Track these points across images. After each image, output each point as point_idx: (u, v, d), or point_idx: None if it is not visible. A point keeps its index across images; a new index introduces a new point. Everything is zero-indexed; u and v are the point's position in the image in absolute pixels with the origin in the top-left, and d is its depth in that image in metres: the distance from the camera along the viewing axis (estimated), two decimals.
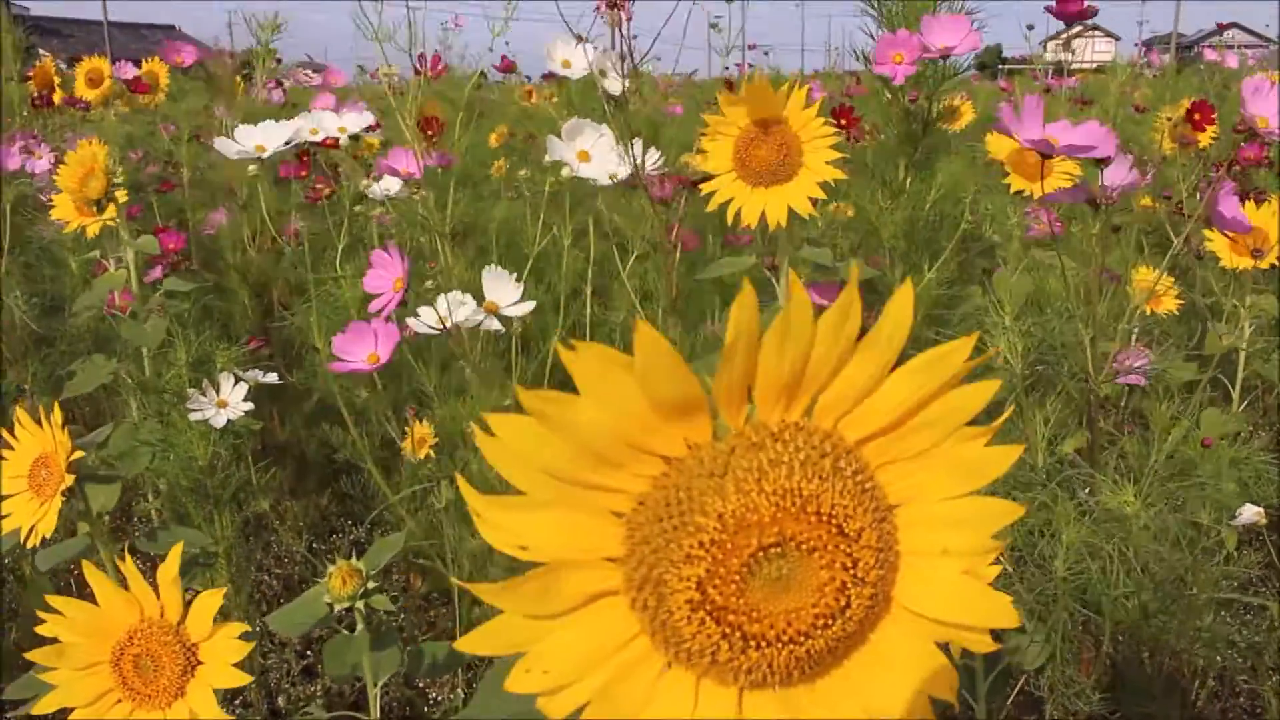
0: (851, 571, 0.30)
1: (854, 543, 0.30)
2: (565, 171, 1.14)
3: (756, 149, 0.91)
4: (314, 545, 1.70)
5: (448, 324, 1.06)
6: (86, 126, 2.76)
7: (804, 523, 0.29)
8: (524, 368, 1.25)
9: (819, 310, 0.29)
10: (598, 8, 1.16)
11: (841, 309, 0.29)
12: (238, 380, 1.20)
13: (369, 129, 1.43)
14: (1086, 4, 1.72)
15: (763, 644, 0.30)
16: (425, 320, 1.07)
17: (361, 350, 1.09)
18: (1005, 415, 0.33)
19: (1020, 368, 0.98)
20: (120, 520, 1.65)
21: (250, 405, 1.18)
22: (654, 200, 1.15)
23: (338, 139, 1.36)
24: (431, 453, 1.27)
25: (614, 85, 1.26)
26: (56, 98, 2.80)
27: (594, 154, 1.13)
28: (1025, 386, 0.99)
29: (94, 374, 1.35)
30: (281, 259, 1.72)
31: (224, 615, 1.33)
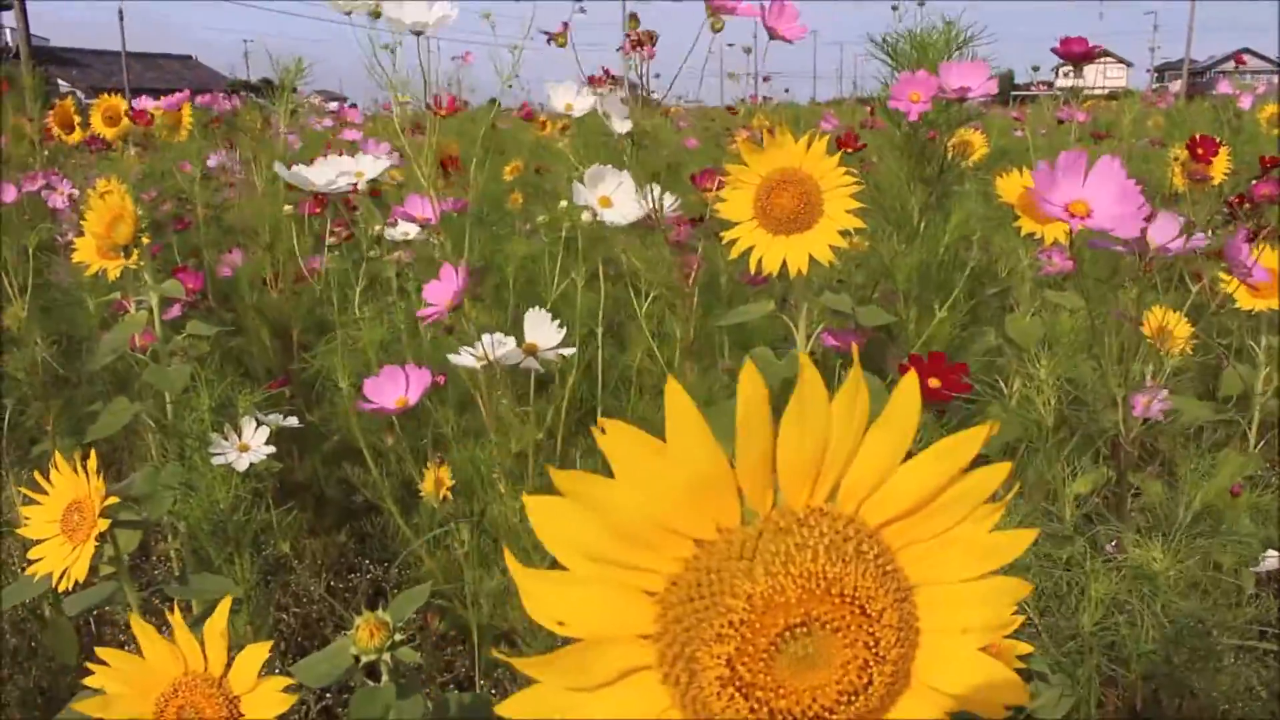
0: (874, 650, 0.31)
1: (876, 622, 0.31)
2: (586, 216, 1.16)
3: (777, 197, 0.92)
4: (332, 584, 1.71)
5: (489, 360, 1.08)
6: (105, 165, 2.79)
7: (828, 604, 0.31)
8: (541, 410, 1.27)
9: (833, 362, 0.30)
10: (622, 48, 1.18)
11: (849, 392, 0.31)
12: (259, 424, 1.21)
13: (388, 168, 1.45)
14: (1091, 46, 1.74)
15: (789, 718, 0.31)
16: (468, 357, 1.09)
17: (392, 393, 1.10)
18: (1013, 492, 0.34)
19: (1051, 419, 0.98)
20: (138, 559, 1.66)
21: (272, 449, 1.20)
22: (671, 243, 1.17)
23: (355, 185, 1.38)
24: (450, 495, 1.28)
25: (622, 126, 1.28)
26: (75, 137, 2.85)
27: (615, 199, 1.15)
28: (1056, 440, 1.00)
29: (117, 417, 1.37)
30: (301, 298, 1.75)
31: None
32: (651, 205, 1.14)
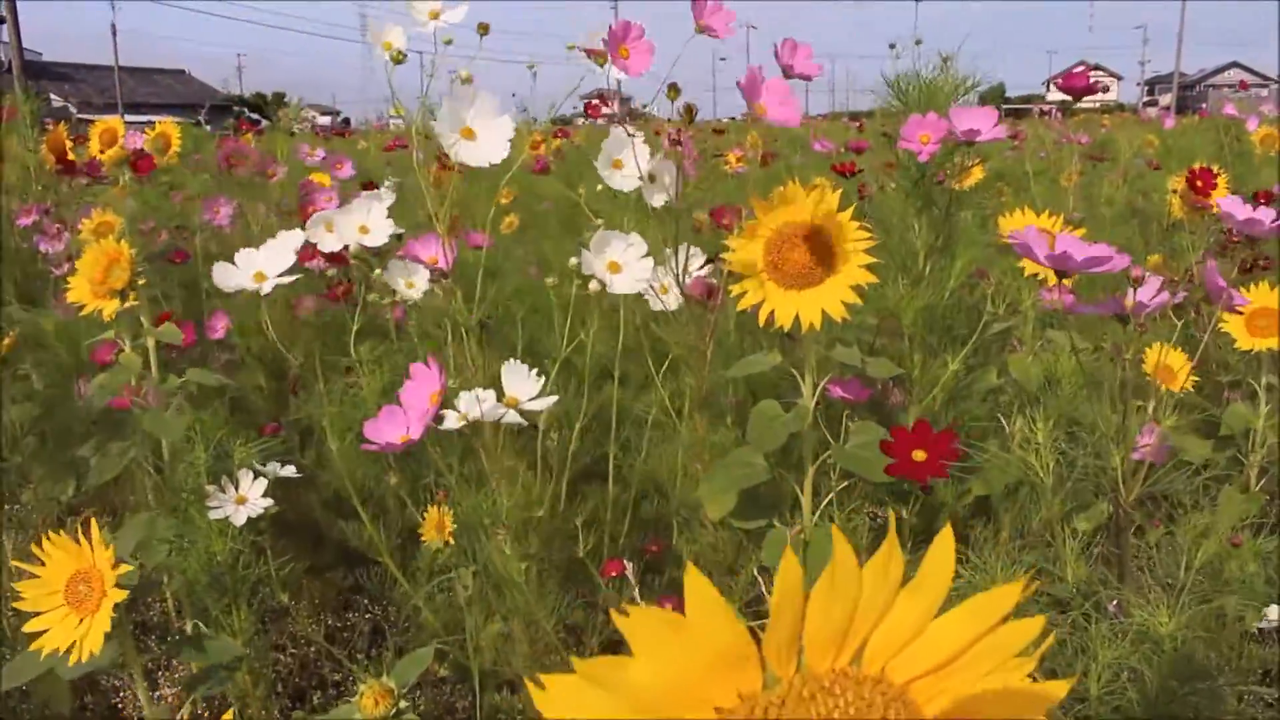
0: None
1: None
2: (594, 286, 1.15)
3: (789, 251, 0.91)
4: (330, 623, 1.70)
5: (469, 421, 1.07)
6: (99, 193, 2.78)
7: None
8: (546, 455, 1.25)
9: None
10: (664, 144, 1.18)
11: (883, 558, 0.31)
12: (257, 475, 1.20)
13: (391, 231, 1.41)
14: (1092, 81, 1.74)
15: None
16: (449, 420, 1.07)
17: (394, 430, 1.07)
18: (1047, 644, 0.33)
19: (1050, 482, 0.97)
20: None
21: (269, 502, 1.19)
22: (688, 299, 1.15)
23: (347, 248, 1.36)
24: (451, 539, 1.27)
25: (659, 198, 1.25)
26: (70, 157, 2.83)
27: (624, 264, 1.13)
28: (1061, 505, 0.99)
29: (112, 463, 1.36)
30: (298, 337, 1.73)
31: (242, 706, 1.33)
32: (676, 272, 1.13)
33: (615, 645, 1.38)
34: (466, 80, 1.16)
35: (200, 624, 1.31)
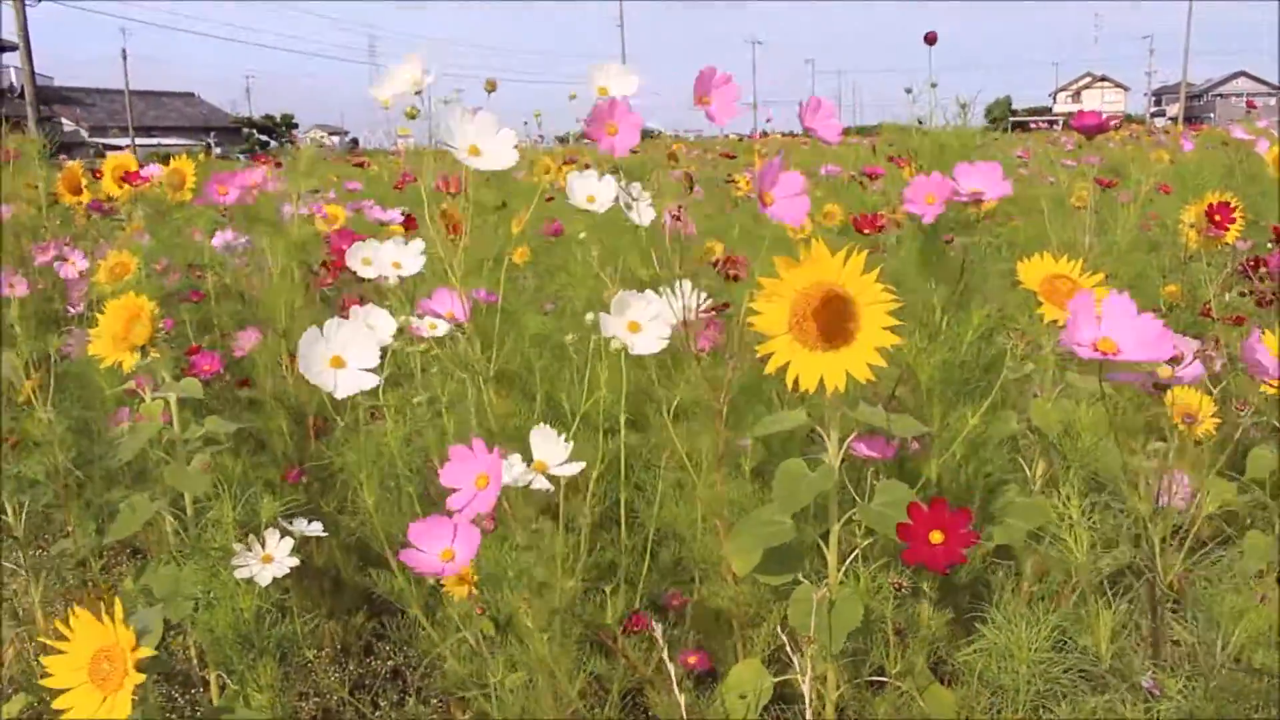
0: None
1: None
2: (615, 345, 1.15)
3: (814, 312, 0.92)
4: (350, 668, 1.70)
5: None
6: (114, 227, 2.79)
7: None
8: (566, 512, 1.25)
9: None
10: (665, 220, 1.19)
11: None
12: (283, 534, 1.20)
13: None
14: (1105, 118, 1.74)
15: None
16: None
17: (437, 544, 1.00)
18: None
19: (1084, 558, 0.97)
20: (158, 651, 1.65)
21: (296, 561, 1.19)
22: (698, 355, 1.16)
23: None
24: (474, 589, 1.27)
25: (644, 217, 1.27)
26: (85, 197, 2.84)
27: (644, 323, 1.14)
28: (1094, 582, 0.98)
29: (136, 516, 1.36)
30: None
31: None
32: (681, 307, 1.14)
33: (638, 691, 1.38)
34: (455, 98, 1.20)
35: (224, 676, 1.31)
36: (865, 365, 0.90)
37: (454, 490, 0.99)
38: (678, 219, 0.97)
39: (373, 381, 1.11)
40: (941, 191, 1.21)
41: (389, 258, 1.45)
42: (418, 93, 1.23)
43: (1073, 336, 0.87)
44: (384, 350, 1.16)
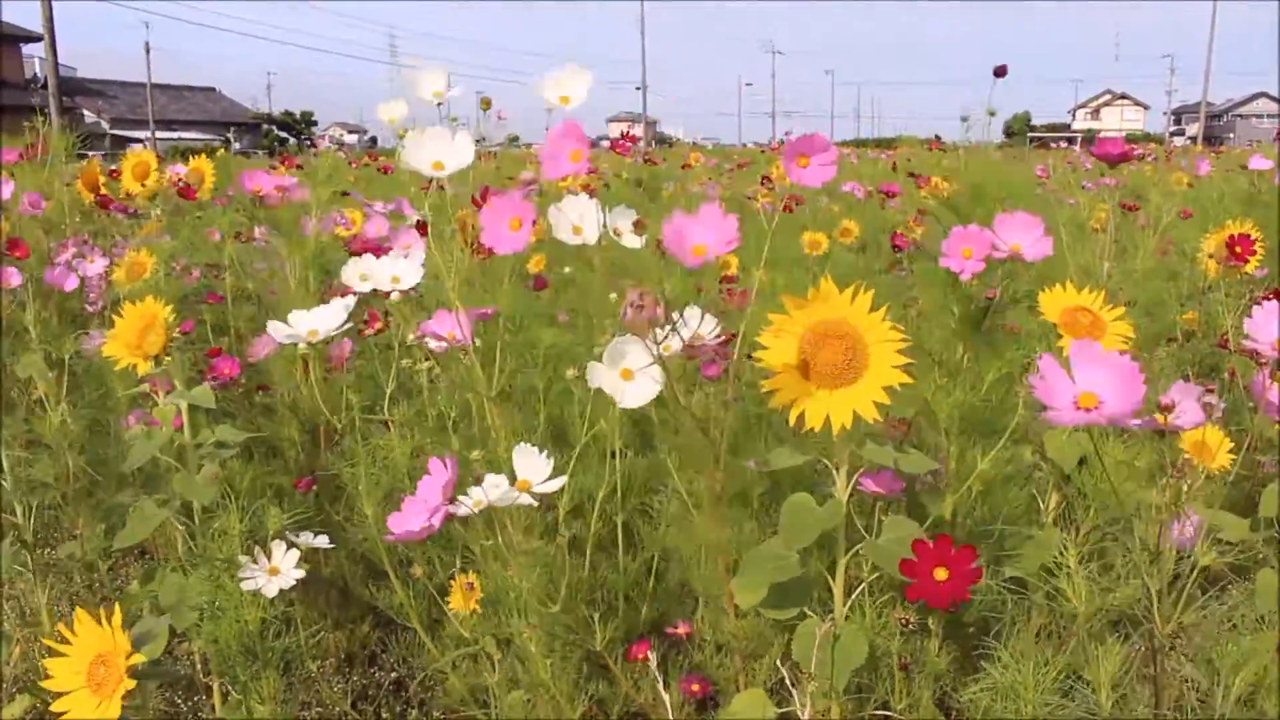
0: None
1: None
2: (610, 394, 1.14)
3: (822, 350, 0.91)
4: (354, 679, 1.70)
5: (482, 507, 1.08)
6: (134, 226, 2.80)
7: None
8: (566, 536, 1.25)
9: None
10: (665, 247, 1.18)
11: None
12: (289, 546, 1.21)
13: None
14: (1127, 148, 1.73)
15: None
16: (464, 508, 1.08)
17: (416, 519, 1.09)
18: None
19: (1084, 609, 0.97)
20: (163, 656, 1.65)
21: (302, 573, 1.19)
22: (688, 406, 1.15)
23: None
24: (478, 608, 1.27)
25: (634, 241, 1.26)
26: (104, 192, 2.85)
27: (639, 373, 1.13)
28: (1088, 629, 0.98)
29: (145, 524, 1.37)
30: (330, 388, 1.74)
31: None
32: (687, 337, 1.13)
33: (643, 716, 1.38)
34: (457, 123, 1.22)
35: (228, 684, 1.32)
36: (872, 404, 0.90)
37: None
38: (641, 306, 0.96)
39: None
40: (981, 245, 1.18)
41: (387, 272, 1.42)
42: (439, 104, 1.24)
43: (1051, 402, 0.84)
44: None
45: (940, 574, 0.92)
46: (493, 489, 1.09)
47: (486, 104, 1.26)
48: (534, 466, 1.13)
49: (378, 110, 1.27)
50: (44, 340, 1.75)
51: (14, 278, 2.02)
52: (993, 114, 1.48)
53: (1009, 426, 1.21)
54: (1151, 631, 0.95)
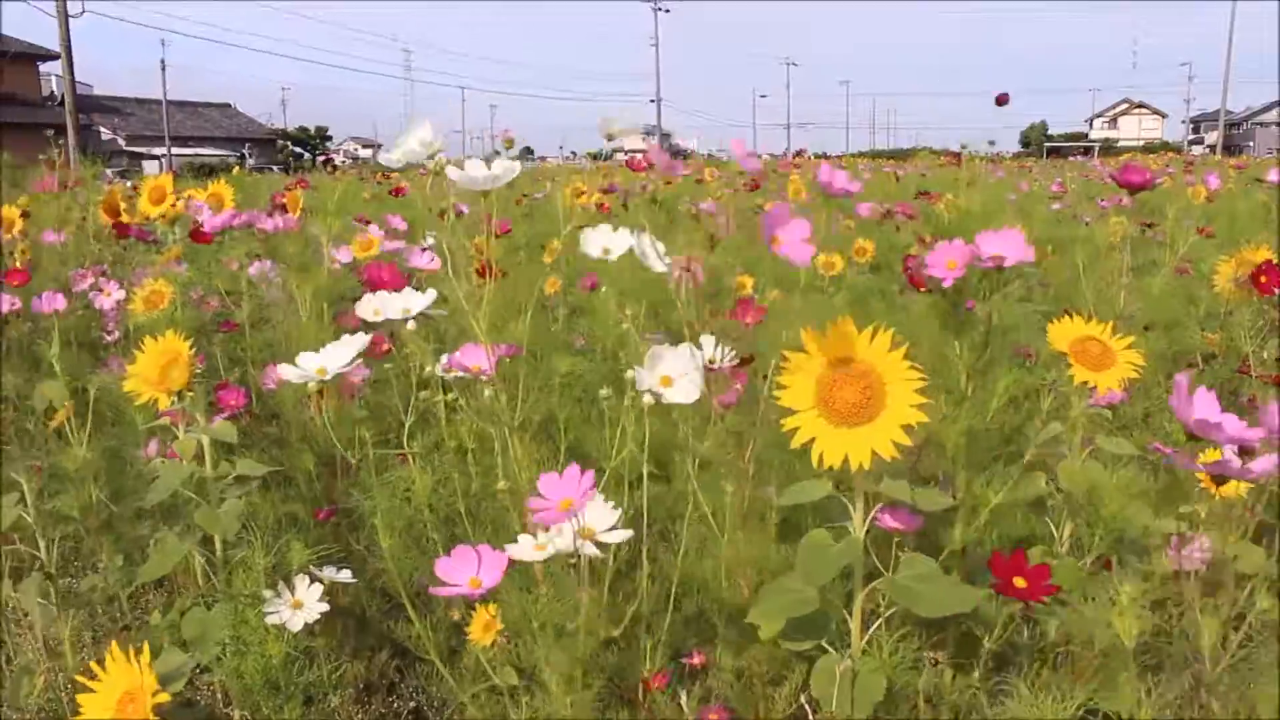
0: None
1: None
2: (648, 399, 1.15)
3: (839, 389, 0.92)
4: (372, 707, 1.71)
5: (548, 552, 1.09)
6: (152, 253, 2.81)
7: None
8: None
9: None
10: (678, 272, 1.20)
11: None
12: (312, 580, 1.22)
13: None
14: (1149, 176, 1.74)
15: None
16: (526, 548, 1.09)
17: (463, 574, 1.09)
18: None
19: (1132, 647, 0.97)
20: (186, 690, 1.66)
21: (325, 606, 1.20)
22: (722, 409, 1.16)
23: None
24: (499, 638, 1.28)
25: (658, 264, 1.28)
26: (124, 220, 2.87)
27: (677, 378, 1.14)
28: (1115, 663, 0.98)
29: (167, 557, 1.38)
30: (344, 418, 1.75)
31: None
32: (705, 361, 1.14)
33: None
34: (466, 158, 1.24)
35: (249, 718, 1.33)
36: (890, 443, 0.91)
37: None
38: (688, 270, 0.98)
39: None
40: (962, 256, 1.21)
41: (399, 306, 1.44)
42: (430, 157, 1.26)
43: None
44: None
45: (1020, 582, 1.08)
46: (559, 536, 1.10)
47: (509, 143, 1.27)
48: (600, 516, 1.13)
49: (382, 157, 1.29)
50: (64, 370, 1.77)
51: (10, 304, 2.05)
52: (992, 144, 1.50)
53: (1018, 453, 1.21)
54: (1199, 676, 0.95)
